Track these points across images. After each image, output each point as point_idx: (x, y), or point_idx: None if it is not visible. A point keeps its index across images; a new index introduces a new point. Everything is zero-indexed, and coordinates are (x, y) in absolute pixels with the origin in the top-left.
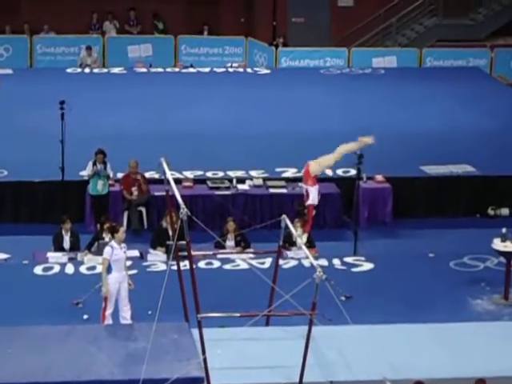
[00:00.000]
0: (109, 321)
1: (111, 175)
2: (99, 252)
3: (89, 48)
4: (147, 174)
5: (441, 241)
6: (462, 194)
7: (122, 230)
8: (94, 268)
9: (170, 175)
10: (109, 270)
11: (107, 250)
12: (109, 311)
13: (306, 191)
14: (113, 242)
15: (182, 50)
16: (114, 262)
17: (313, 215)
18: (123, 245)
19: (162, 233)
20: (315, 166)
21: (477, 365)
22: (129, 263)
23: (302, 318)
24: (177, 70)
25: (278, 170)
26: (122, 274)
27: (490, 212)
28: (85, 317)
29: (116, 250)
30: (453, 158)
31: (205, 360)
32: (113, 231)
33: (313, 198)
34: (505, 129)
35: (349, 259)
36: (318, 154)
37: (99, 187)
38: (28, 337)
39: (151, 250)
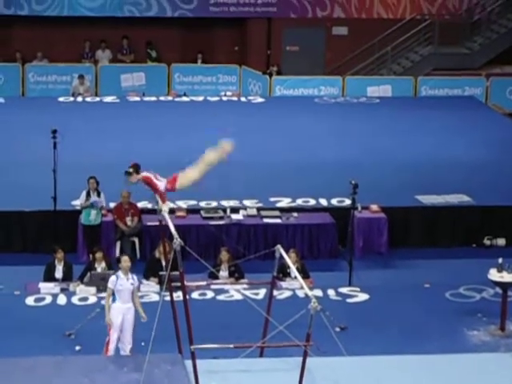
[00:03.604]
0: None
1: (104, 205)
2: (91, 283)
3: (81, 77)
4: (140, 204)
5: (436, 271)
6: (457, 223)
7: (124, 258)
8: (86, 299)
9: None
10: (114, 299)
11: (112, 278)
12: (112, 345)
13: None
14: (119, 272)
15: (176, 78)
16: (118, 292)
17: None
18: (131, 275)
19: (155, 263)
20: (183, 178)
21: None
22: None
23: (296, 349)
24: (170, 98)
25: (272, 199)
26: (126, 305)
27: (487, 242)
28: (77, 348)
29: (121, 280)
30: (449, 188)
31: None
32: (117, 261)
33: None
34: (500, 158)
35: (344, 290)
36: (311, 183)
37: (92, 217)
38: (19, 368)
39: (144, 281)
